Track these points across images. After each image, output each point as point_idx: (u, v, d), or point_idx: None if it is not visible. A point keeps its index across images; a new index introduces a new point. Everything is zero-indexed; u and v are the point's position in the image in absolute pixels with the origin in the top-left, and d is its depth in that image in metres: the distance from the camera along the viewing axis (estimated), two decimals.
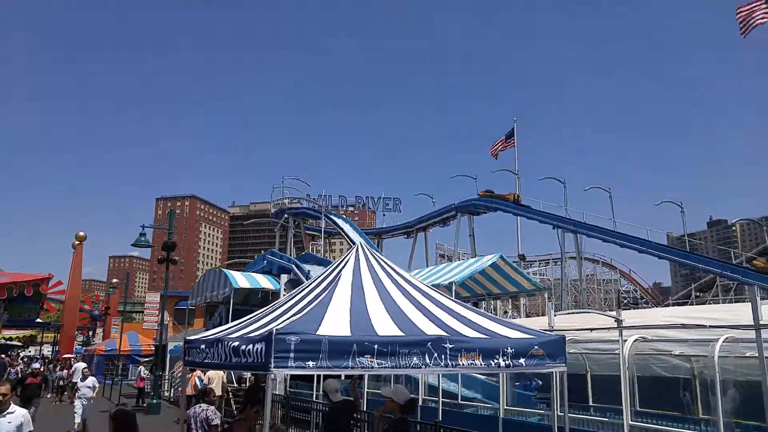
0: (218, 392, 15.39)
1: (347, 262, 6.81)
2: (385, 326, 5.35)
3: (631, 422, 7.37)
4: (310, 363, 4.56)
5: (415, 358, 5.15)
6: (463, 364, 5.47)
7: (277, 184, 46.92)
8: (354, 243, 31.74)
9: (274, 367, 4.41)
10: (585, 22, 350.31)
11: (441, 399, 9.74)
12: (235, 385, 17.12)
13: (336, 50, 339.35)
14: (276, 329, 4.50)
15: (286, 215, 49.08)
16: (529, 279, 19.72)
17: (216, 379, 15.43)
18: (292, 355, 4.50)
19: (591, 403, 10.15)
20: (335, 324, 5.13)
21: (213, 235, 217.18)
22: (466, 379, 11.78)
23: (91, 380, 15.15)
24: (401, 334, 5.27)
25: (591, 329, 8.56)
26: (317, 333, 4.73)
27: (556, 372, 6.60)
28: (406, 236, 53.82)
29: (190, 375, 15.28)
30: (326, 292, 5.93)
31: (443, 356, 5.34)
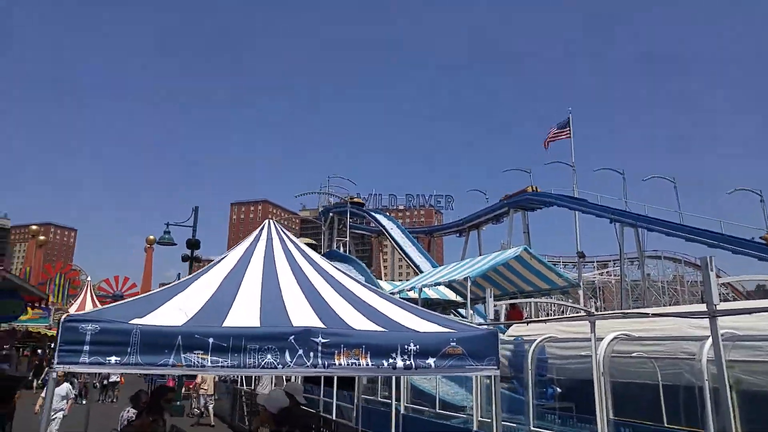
0: (210, 391, 15.06)
1: (253, 241, 5.99)
2: (239, 315, 4.48)
3: None
4: (113, 359, 3.76)
5: (269, 356, 4.24)
6: (341, 364, 4.51)
7: (323, 184, 46.80)
8: (397, 242, 30.93)
9: (58, 363, 3.64)
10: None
11: (403, 403, 8.71)
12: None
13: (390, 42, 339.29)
14: (66, 316, 3.73)
15: (331, 214, 48.90)
16: (560, 274, 18.02)
17: (209, 378, 15.07)
18: (86, 348, 3.71)
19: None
20: (174, 312, 4.31)
21: None
22: (461, 382, 10.63)
23: (65, 387, 11.55)
24: (255, 324, 4.39)
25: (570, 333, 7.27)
26: (130, 322, 3.92)
27: (477, 377, 5.47)
28: (458, 234, 52.24)
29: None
30: (199, 274, 5.14)
31: (312, 354, 4.40)
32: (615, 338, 6.69)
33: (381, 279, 36.02)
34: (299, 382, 16.16)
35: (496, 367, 5.20)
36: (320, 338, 4.45)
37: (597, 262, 66.27)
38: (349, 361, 4.54)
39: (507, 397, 10.01)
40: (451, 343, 4.99)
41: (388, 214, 48.77)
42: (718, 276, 3.99)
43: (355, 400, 8.08)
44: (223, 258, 5.45)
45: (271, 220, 6.34)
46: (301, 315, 4.73)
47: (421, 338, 4.89)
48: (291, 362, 4.30)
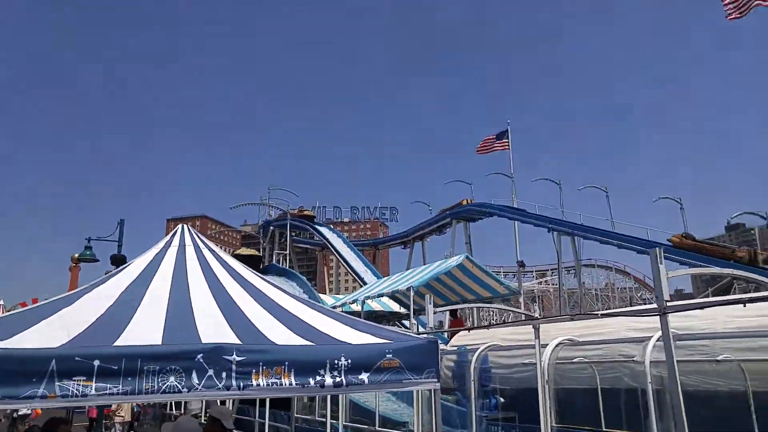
0: (127, 417, 13.96)
1: (163, 248, 5.30)
2: (138, 332, 3.82)
3: None
4: None
5: (172, 378, 3.61)
6: (260, 385, 3.92)
7: (264, 197, 45.48)
8: (341, 255, 30.25)
9: None
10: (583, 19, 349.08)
11: (341, 421, 8.14)
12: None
13: (322, 53, 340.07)
14: None
15: (272, 228, 47.66)
16: (501, 282, 18.03)
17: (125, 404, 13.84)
18: None
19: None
20: (52, 330, 3.61)
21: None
22: (403, 397, 10.17)
23: None
24: (156, 342, 3.75)
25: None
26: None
27: (419, 392, 5.01)
28: (403, 246, 52.19)
29: None
30: (94, 285, 4.43)
31: (224, 374, 3.80)
32: (559, 344, 6.40)
33: (326, 293, 35.23)
34: (230, 404, 15.24)
35: (436, 380, 4.75)
36: (234, 356, 3.86)
37: (536, 271, 67.83)
38: (270, 381, 3.97)
39: (450, 409, 9.62)
40: (387, 356, 4.51)
41: (331, 226, 48.04)
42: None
43: (291, 420, 7.44)
44: (125, 267, 4.75)
45: (184, 225, 5.67)
46: (214, 330, 4.12)
47: (353, 351, 4.38)
48: (199, 385, 3.69)
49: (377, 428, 9.06)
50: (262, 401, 12.18)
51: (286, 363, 4.07)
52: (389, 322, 20.77)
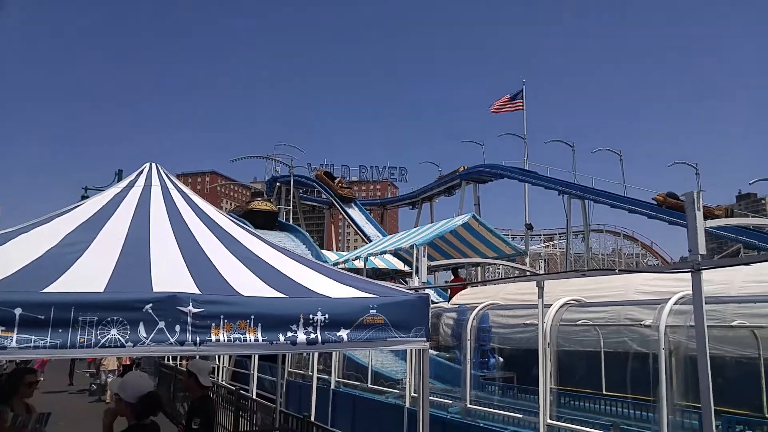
0: (111, 366, 13.79)
1: (126, 186, 4.78)
2: (79, 277, 3.35)
3: (549, 421, 5.36)
4: None
5: (114, 331, 3.14)
6: (219, 341, 3.46)
7: (271, 153, 44.70)
8: (348, 213, 29.86)
9: None
10: None
11: (333, 377, 7.83)
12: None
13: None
14: None
15: (278, 184, 47.07)
16: (507, 242, 17.46)
17: None
18: None
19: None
20: None
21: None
22: (403, 353, 9.80)
23: None
24: (98, 290, 3.28)
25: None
26: None
27: (413, 350, 4.56)
28: (411, 207, 51.59)
29: None
30: (36, 224, 3.94)
31: (178, 327, 3.33)
32: (565, 304, 5.92)
33: (333, 251, 35.00)
34: (224, 357, 15.03)
35: (425, 339, 4.28)
36: (190, 307, 3.39)
37: (544, 234, 67.25)
38: (231, 337, 3.51)
39: (448, 368, 9.29)
40: (371, 311, 4.03)
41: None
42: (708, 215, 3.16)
43: (278, 375, 7.10)
44: (77, 206, 4.26)
45: (153, 163, 5.13)
46: (170, 278, 3.63)
47: (332, 306, 3.91)
48: (147, 339, 3.23)
49: (370, 385, 8.74)
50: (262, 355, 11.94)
51: (252, 317, 3.60)
52: (393, 280, 20.44)
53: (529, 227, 43.59)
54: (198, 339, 3.37)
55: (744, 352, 7.21)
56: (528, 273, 7.90)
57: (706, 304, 7.14)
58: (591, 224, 40.76)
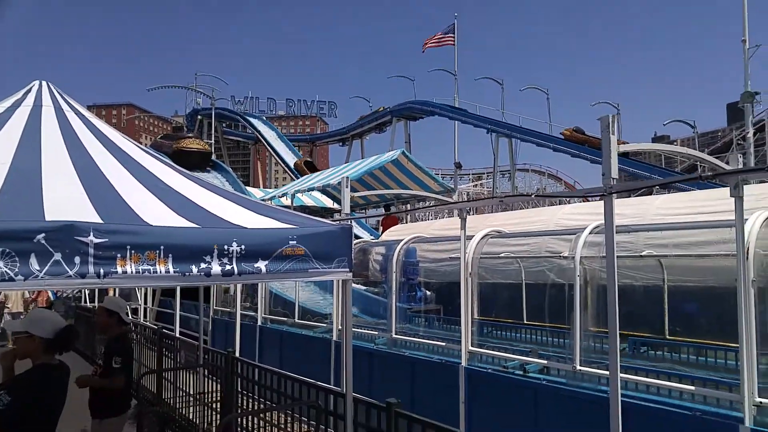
0: (15, 308, 13.02)
1: (12, 106, 4.24)
2: None
3: (471, 348, 5.53)
4: None
5: (0, 264, 2.82)
6: (126, 273, 3.17)
7: (191, 84, 42.07)
8: (274, 149, 28.87)
9: None
10: None
11: (260, 313, 7.74)
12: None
13: None
14: None
15: (199, 117, 44.73)
16: (436, 179, 17.70)
17: (13, 293, 12.63)
18: None
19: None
20: None
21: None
22: (330, 288, 9.81)
23: None
24: None
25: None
26: None
27: (339, 281, 4.48)
28: (341, 143, 50.87)
29: None
30: None
31: (78, 259, 3.01)
32: (486, 236, 6.01)
33: (260, 189, 34.14)
34: (141, 294, 14.54)
35: (347, 270, 4.19)
36: (91, 237, 3.07)
37: (473, 174, 68.70)
38: (140, 268, 3.24)
39: (376, 302, 9.41)
40: (291, 242, 3.85)
41: (264, 119, 45.62)
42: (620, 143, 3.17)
43: (201, 313, 6.90)
44: None
45: (44, 82, 4.57)
46: (67, 207, 3.28)
47: (248, 236, 3.69)
48: (40, 272, 2.91)
49: (297, 320, 8.72)
50: (183, 292, 11.56)
51: (162, 247, 3.33)
52: (334, 220, 20.28)
53: (458, 166, 44.33)
54: (102, 271, 3.09)
55: (651, 280, 7.71)
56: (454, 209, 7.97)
57: (618, 233, 7.50)
58: (517, 163, 41.91)
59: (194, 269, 3.42)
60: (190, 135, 28.52)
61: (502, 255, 8.16)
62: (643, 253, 7.54)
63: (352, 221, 17.67)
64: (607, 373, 4.64)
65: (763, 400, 3.64)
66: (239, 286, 8.70)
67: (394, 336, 6.80)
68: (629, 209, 10.38)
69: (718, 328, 6.75)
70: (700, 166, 5.20)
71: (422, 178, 17.14)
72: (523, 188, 64.70)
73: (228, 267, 3.53)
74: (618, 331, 3.17)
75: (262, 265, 3.70)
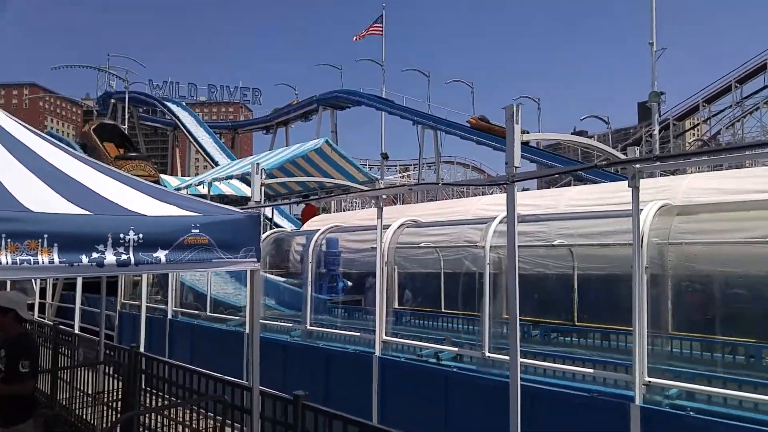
0: None
1: None
2: None
3: (385, 338, 5.54)
4: None
5: None
6: (1, 264, 2.89)
7: (103, 66, 39.44)
8: (193, 136, 27.58)
9: None
10: None
11: (170, 306, 7.41)
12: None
13: None
14: None
15: (113, 101, 42.18)
16: (360, 169, 17.69)
17: None
18: None
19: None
20: None
21: (64, 132, 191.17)
22: (239, 279, 9.51)
23: None
24: None
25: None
26: None
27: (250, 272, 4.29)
28: (265, 132, 49.67)
29: None
30: None
31: None
32: (402, 225, 6.02)
33: (178, 176, 32.69)
34: (37, 287, 13.54)
35: (255, 260, 4.03)
36: None
37: (399, 165, 69.35)
38: (18, 259, 2.95)
39: (295, 294, 9.24)
40: (193, 231, 3.65)
41: (184, 104, 43.63)
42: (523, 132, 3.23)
43: (102, 306, 6.46)
44: None
45: None
46: None
47: (146, 224, 3.46)
48: None
49: (209, 313, 8.40)
50: (88, 285, 10.85)
51: (46, 236, 3.05)
52: (242, 208, 19.65)
53: (385, 157, 44.52)
54: None
55: (562, 268, 8.04)
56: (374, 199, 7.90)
57: (526, 222, 7.76)
58: (443, 156, 42.71)
59: (84, 259, 3.17)
60: (134, 155, 25.62)
61: (422, 245, 8.24)
62: (555, 243, 7.84)
63: (275, 210, 17.32)
64: (525, 361, 4.80)
65: (652, 380, 3.88)
66: (145, 278, 8.25)
67: (309, 328, 6.70)
68: (543, 200, 10.81)
69: (620, 313, 7.15)
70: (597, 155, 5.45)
71: (346, 168, 17.04)
72: (449, 180, 66.17)
73: (124, 257, 3.30)
74: (518, 318, 3.24)
75: (161, 254, 3.49)
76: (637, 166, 3.82)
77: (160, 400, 4.88)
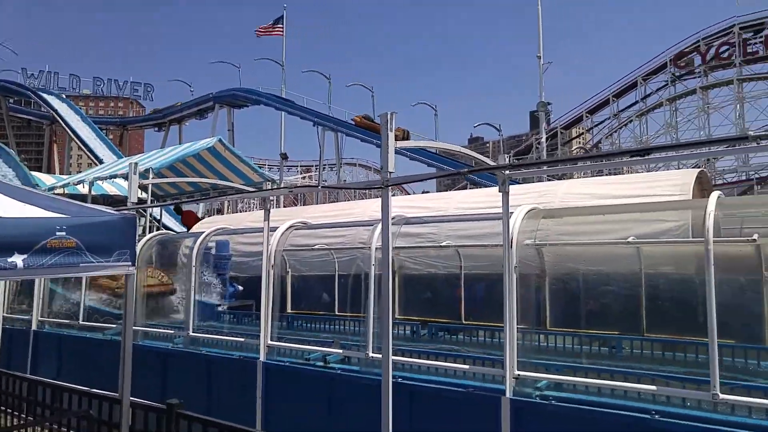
0: None
1: None
2: None
3: (270, 342, 5.44)
4: None
5: None
6: None
7: None
8: (74, 131, 25.42)
9: None
10: None
11: (35, 317, 6.71)
12: None
13: None
14: None
15: None
16: (256, 169, 17.24)
17: None
18: None
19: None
20: None
21: None
22: None
23: None
24: None
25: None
26: None
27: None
28: (157, 129, 47.06)
29: None
30: None
31: None
32: (291, 227, 5.95)
33: (56, 174, 30.00)
34: None
35: (130, 263, 3.84)
36: None
37: (301, 166, 68.79)
38: None
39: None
40: (58, 233, 3.42)
41: (64, 97, 40.13)
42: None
43: None
44: None
45: None
46: None
47: (2, 226, 3.18)
48: None
49: (82, 322, 7.78)
50: None
51: None
52: (118, 209, 18.40)
53: (284, 157, 43.95)
54: None
55: (451, 268, 8.35)
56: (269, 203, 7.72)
57: (418, 224, 7.98)
58: (345, 157, 42.91)
59: None
60: None
61: (316, 247, 8.21)
62: (443, 243, 8.14)
63: (163, 211, 16.44)
64: (399, 358, 4.92)
65: (521, 373, 4.15)
66: (2, 284, 7.48)
67: (191, 334, 6.42)
68: (435, 203, 11.20)
69: (502, 311, 7.57)
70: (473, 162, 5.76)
71: (241, 168, 16.55)
72: (351, 182, 66.55)
73: None
74: (390, 317, 3.34)
75: (18, 259, 3.24)
76: (507, 172, 4.07)
77: (15, 419, 4.45)
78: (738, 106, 41.13)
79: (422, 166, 32.93)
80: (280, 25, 43.68)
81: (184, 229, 16.44)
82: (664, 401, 3.97)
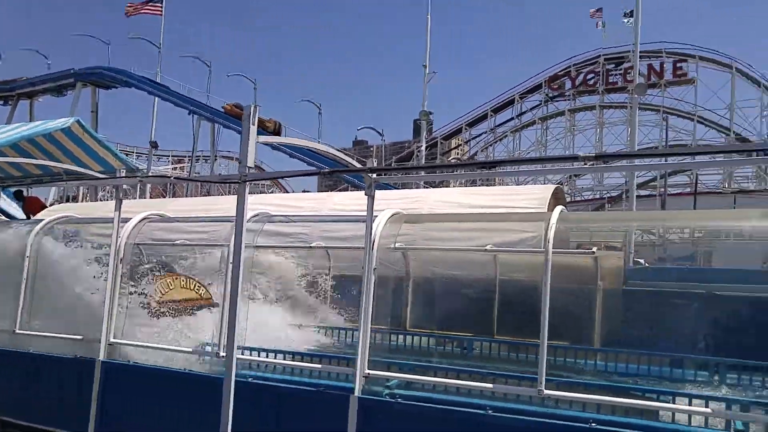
0: None
1: None
2: None
3: (113, 340, 5.02)
4: None
5: None
6: None
7: None
8: None
9: None
10: None
11: None
12: None
13: None
14: None
15: None
16: (117, 156, 15.79)
17: None
18: None
19: None
20: None
21: None
22: None
23: None
24: None
25: None
26: None
27: None
28: (2, 102, 41.67)
29: None
30: None
31: None
32: (144, 219, 5.57)
33: None
34: None
35: None
36: None
37: (173, 156, 65.06)
38: None
39: None
40: None
41: None
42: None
43: None
44: None
45: None
46: None
47: None
48: None
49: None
50: None
51: None
52: None
53: (154, 145, 41.33)
54: None
55: (322, 269, 8.35)
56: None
57: (284, 223, 7.87)
58: (221, 150, 41.23)
59: None
60: None
61: (178, 242, 7.78)
62: (313, 244, 8.12)
63: (3, 195, 14.63)
64: (247, 357, 4.84)
65: (371, 372, 4.25)
66: None
67: (18, 331, 5.76)
68: (310, 203, 11.16)
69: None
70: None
71: (100, 152, 15.09)
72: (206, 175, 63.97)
73: None
74: (237, 314, 3.24)
75: None
76: (374, 176, 4.14)
77: None
78: (598, 130, 45.91)
79: (302, 164, 32.69)
80: (159, 3, 41.08)
81: (25, 217, 14.79)
82: (501, 398, 4.28)
